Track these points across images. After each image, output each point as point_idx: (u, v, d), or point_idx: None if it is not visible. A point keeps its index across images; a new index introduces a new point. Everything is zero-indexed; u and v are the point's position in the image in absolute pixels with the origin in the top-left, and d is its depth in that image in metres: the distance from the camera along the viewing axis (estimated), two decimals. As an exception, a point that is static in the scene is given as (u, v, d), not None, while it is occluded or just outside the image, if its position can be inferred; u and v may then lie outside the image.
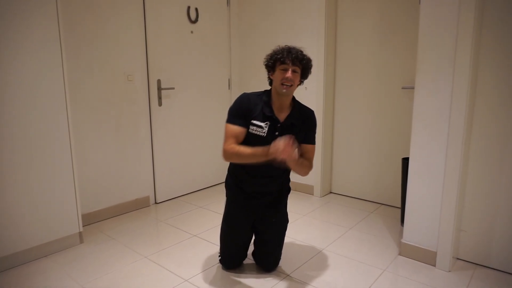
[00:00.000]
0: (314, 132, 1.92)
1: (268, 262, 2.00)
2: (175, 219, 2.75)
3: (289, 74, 1.73)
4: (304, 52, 1.79)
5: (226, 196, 2.02)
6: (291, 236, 2.45)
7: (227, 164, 1.98)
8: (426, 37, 1.95)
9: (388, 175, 3.00)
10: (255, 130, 1.79)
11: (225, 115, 1.86)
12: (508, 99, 1.86)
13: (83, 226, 2.47)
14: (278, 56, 1.75)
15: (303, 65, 1.78)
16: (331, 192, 3.38)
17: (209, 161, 3.46)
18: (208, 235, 2.46)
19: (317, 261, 2.13)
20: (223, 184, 2.08)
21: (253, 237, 2.03)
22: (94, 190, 2.66)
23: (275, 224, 1.96)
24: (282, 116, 1.82)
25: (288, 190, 2.04)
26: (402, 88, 2.81)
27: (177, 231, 2.54)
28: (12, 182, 2.00)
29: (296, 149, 1.63)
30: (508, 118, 1.87)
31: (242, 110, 1.79)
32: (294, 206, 3.03)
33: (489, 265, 2.03)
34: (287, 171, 1.94)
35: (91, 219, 2.65)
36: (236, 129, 1.77)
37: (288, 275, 1.97)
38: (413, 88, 2.11)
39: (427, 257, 2.07)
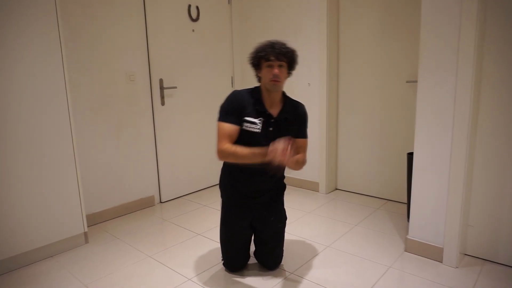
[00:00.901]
0: (306, 126, 1.92)
1: (269, 261, 1.98)
2: (179, 218, 2.75)
3: (276, 70, 1.71)
4: (288, 45, 1.76)
5: (221, 197, 1.99)
6: (296, 233, 2.43)
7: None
8: (428, 27, 1.91)
9: (394, 170, 2.96)
10: (249, 127, 1.77)
11: None
12: (514, 90, 1.82)
13: (88, 227, 2.48)
14: (262, 54, 1.73)
15: (288, 58, 1.75)
16: (336, 189, 3.35)
17: (213, 159, 3.43)
18: (212, 234, 2.45)
19: (322, 258, 2.11)
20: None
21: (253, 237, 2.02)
22: (98, 190, 2.67)
23: (273, 223, 1.93)
24: (274, 111, 1.82)
25: (283, 187, 2.02)
26: (407, 82, 2.77)
27: (181, 230, 2.54)
28: (16, 184, 2.02)
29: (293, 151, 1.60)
30: (515, 110, 1.83)
31: (235, 108, 1.77)
32: (299, 203, 3.01)
33: (498, 261, 1.99)
34: (283, 169, 1.92)
35: (96, 219, 2.66)
36: (230, 127, 1.75)
37: (292, 273, 1.95)
38: (417, 81, 2.07)
39: (434, 253, 2.04)
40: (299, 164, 1.81)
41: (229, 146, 1.72)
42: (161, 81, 2.96)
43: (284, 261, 2.06)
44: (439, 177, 1.98)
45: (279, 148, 1.52)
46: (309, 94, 3.20)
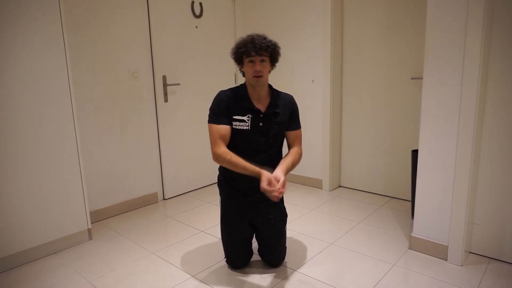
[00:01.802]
0: (298, 116, 1.92)
1: (271, 258, 1.98)
2: (183, 215, 2.75)
3: (257, 66, 1.72)
4: (268, 38, 1.75)
5: (220, 195, 1.99)
6: (299, 230, 2.42)
7: None
8: (434, 23, 1.88)
9: (398, 167, 2.94)
10: (239, 125, 1.78)
11: None
12: (521, 87, 1.79)
13: (91, 223, 2.49)
14: (243, 50, 1.73)
15: (270, 53, 1.75)
16: (340, 186, 3.34)
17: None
18: (216, 231, 2.45)
19: (326, 255, 2.10)
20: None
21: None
22: (102, 187, 2.68)
23: (272, 220, 1.91)
24: (262, 106, 1.82)
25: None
26: (411, 78, 2.74)
27: (184, 227, 2.54)
28: (20, 181, 2.02)
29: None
30: (521, 106, 1.81)
31: (223, 108, 1.78)
32: (303, 200, 3.00)
33: (503, 259, 1.97)
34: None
35: (99, 216, 2.67)
36: (221, 128, 1.76)
37: (295, 270, 1.95)
38: (422, 78, 2.05)
39: (438, 251, 2.03)
40: (294, 165, 1.84)
41: (224, 152, 1.73)
42: (164, 78, 2.95)
43: (287, 258, 2.06)
44: (444, 175, 1.97)
45: (276, 186, 1.61)
46: (313, 91, 3.18)
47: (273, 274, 1.92)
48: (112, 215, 2.75)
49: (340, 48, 3.10)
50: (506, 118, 1.85)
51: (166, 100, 2.99)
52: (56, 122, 2.14)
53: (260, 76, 1.74)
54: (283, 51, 3.29)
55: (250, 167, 1.69)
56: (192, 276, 1.92)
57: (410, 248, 2.14)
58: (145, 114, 2.88)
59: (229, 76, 3.51)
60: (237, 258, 1.97)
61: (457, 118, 1.88)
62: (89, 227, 2.35)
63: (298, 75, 3.27)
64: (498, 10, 1.80)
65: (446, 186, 1.97)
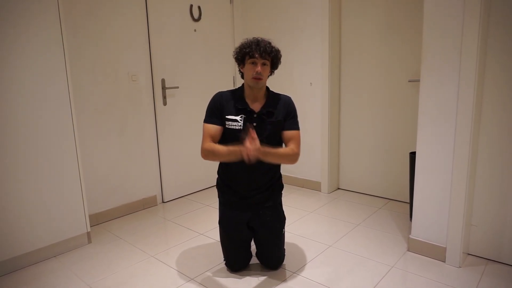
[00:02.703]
0: (296, 118, 1.90)
1: (270, 261, 1.98)
2: (182, 218, 2.76)
3: (258, 68, 1.75)
4: (272, 44, 1.80)
5: (218, 197, 2.00)
6: (298, 232, 2.43)
7: None
8: (431, 25, 1.90)
9: (396, 169, 2.95)
10: (231, 125, 1.81)
11: None
12: (517, 89, 1.81)
13: (91, 226, 2.49)
14: (247, 50, 1.76)
15: (272, 57, 1.79)
16: (338, 188, 3.35)
17: (216, 159, 3.45)
18: (215, 234, 2.45)
19: (325, 257, 2.10)
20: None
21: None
22: (101, 190, 2.68)
23: (270, 223, 1.91)
24: (257, 106, 1.83)
25: (280, 187, 2.00)
26: (409, 81, 2.76)
27: (184, 230, 2.54)
28: (19, 184, 2.03)
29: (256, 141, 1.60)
30: (518, 109, 1.82)
31: (216, 108, 1.83)
32: (301, 202, 3.01)
33: (501, 260, 1.98)
34: (275, 166, 1.93)
35: (99, 219, 2.67)
36: (212, 127, 1.81)
37: (294, 273, 1.95)
38: (419, 81, 2.06)
39: (437, 253, 2.03)
40: (288, 157, 1.79)
41: (209, 144, 1.77)
42: (163, 81, 2.96)
43: (286, 261, 2.06)
44: (442, 176, 1.98)
45: (246, 143, 1.58)
46: (311, 93, 3.20)
47: (272, 276, 1.92)
48: (112, 218, 2.75)
49: (338, 51, 3.11)
50: (504, 119, 1.87)
51: (165, 103, 3.00)
52: (55, 125, 2.14)
53: (260, 79, 1.76)
54: (282, 53, 3.31)
55: (231, 147, 1.69)
56: (192, 279, 1.92)
57: (408, 250, 2.15)
58: (144, 117, 2.89)
59: (228, 79, 3.52)
60: (236, 261, 1.97)
61: (454, 120, 1.89)
62: (88, 231, 2.35)
63: (296, 77, 3.29)
64: (495, 12, 1.82)
65: (444, 188, 1.98)
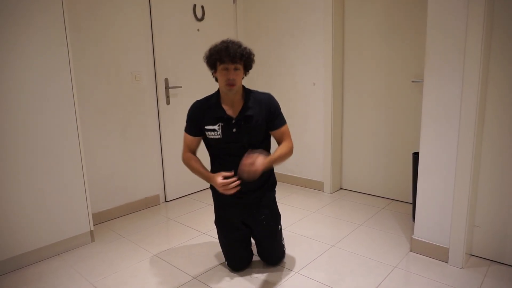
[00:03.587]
0: (281, 113, 1.87)
1: (269, 258, 2.00)
2: (184, 217, 2.76)
3: (231, 75, 1.70)
4: (243, 46, 1.73)
5: (213, 198, 1.99)
6: (300, 232, 2.43)
7: None
8: (435, 26, 1.89)
9: (399, 170, 2.95)
10: (211, 135, 1.81)
11: None
12: (521, 90, 1.80)
13: (94, 225, 2.50)
14: (216, 57, 1.71)
15: (244, 61, 1.74)
16: (341, 188, 3.34)
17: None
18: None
19: (327, 258, 2.10)
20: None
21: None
22: (104, 189, 2.69)
23: (264, 221, 1.91)
24: (235, 111, 1.80)
25: (273, 184, 1.98)
26: (412, 81, 2.75)
27: (186, 229, 2.55)
28: (23, 183, 2.04)
29: (261, 155, 1.65)
30: (522, 109, 1.81)
31: (193, 119, 1.85)
32: (304, 202, 3.01)
33: (504, 262, 1.98)
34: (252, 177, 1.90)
35: (102, 218, 2.68)
36: (188, 138, 1.89)
37: (297, 272, 1.95)
38: (423, 81, 2.06)
39: (439, 254, 2.03)
40: (285, 156, 1.82)
41: (187, 157, 1.89)
42: (166, 80, 2.97)
43: (288, 261, 2.06)
44: (445, 177, 1.97)
45: (224, 183, 1.69)
46: (314, 93, 3.19)
47: (275, 276, 1.93)
48: (114, 217, 2.76)
49: (341, 51, 3.11)
50: (507, 120, 1.86)
51: (168, 103, 3.00)
52: (59, 124, 2.15)
53: (233, 85, 1.72)
54: (284, 52, 3.32)
55: (204, 172, 1.83)
56: (194, 278, 1.93)
57: (411, 250, 2.15)
58: (147, 117, 2.90)
59: (231, 79, 3.53)
60: (237, 260, 1.98)
61: (458, 120, 1.88)
62: (91, 229, 2.37)
63: (299, 77, 3.28)
64: (499, 13, 1.81)
65: (447, 188, 1.97)
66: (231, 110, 1.80)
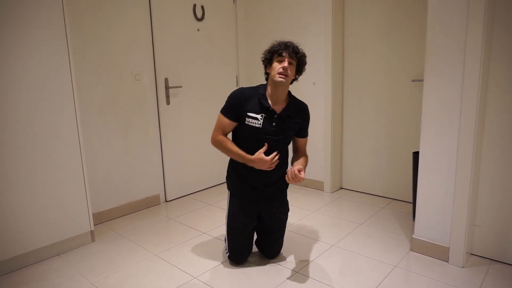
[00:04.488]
0: (308, 125, 2.02)
1: (271, 250, 2.08)
2: (185, 217, 2.76)
3: (285, 63, 1.80)
4: (300, 47, 1.87)
5: (228, 189, 2.04)
6: (301, 232, 2.43)
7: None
8: (435, 25, 1.89)
9: (399, 169, 2.95)
10: (251, 122, 1.85)
11: None
12: (522, 89, 1.80)
13: (94, 225, 2.50)
14: (276, 49, 1.83)
15: (298, 59, 1.85)
16: (341, 188, 3.34)
17: (219, 158, 3.45)
18: (218, 233, 2.46)
19: (327, 257, 2.11)
20: (231, 181, 2.08)
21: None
22: (104, 189, 2.69)
23: (278, 214, 2.01)
24: (278, 108, 1.88)
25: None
26: (412, 80, 2.75)
27: (186, 229, 2.55)
28: (23, 183, 2.04)
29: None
30: (522, 108, 1.81)
31: (235, 104, 1.87)
32: (304, 202, 3.01)
33: (505, 261, 1.98)
34: (286, 162, 2.01)
35: (102, 218, 2.68)
36: (225, 121, 1.89)
37: (297, 272, 1.95)
38: (423, 80, 2.06)
39: (440, 253, 2.03)
40: (306, 164, 1.95)
41: (221, 139, 1.89)
42: (166, 80, 2.97)
43: (289, 260, 2.07)
44: (445, 176, 1.97)
45: (267, 160, 1.78)
46: (314, 93, 3.19)
47: (275, 275, 1.93)
48: (115, 217, 2.76)
49: (341, 51, 3.11)
50: (508, 119, 1.86)
51: (168, 103, 3.00)
52: (59, 124, 2.15)
53: (286, 75, 1.80)
54: (284, 54, 3.31)
55: (242, 152, 1.84)
56: (195, 278, 1.93)
57: (411, 249, 2.15)
58: (147, 116, 2.90)
59: (231, 79, 3.53)
60: (242, 252, 2.03)
61: (458, 120, 1.88)
62: (92, 229, 2.37)
63: (299, 78, 3.28)
64: (499, 12, 1.81)
65: (447, 187, 1.97)
66: (275, 106, 1.87)
